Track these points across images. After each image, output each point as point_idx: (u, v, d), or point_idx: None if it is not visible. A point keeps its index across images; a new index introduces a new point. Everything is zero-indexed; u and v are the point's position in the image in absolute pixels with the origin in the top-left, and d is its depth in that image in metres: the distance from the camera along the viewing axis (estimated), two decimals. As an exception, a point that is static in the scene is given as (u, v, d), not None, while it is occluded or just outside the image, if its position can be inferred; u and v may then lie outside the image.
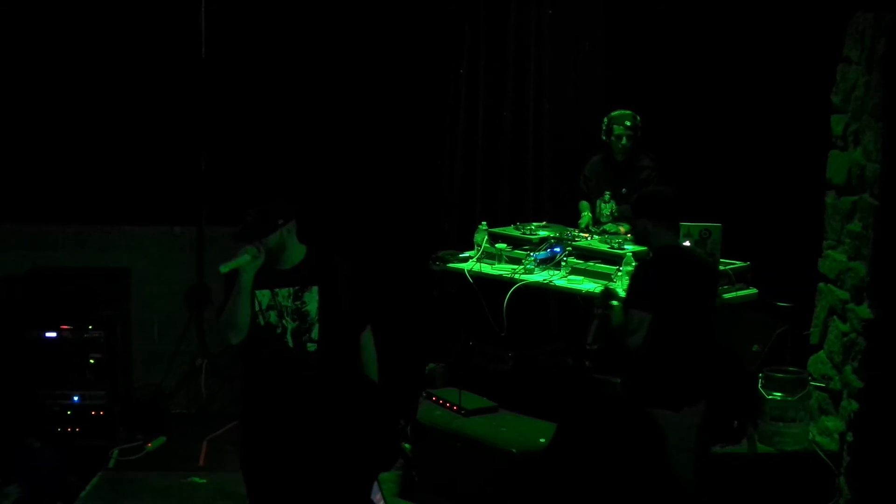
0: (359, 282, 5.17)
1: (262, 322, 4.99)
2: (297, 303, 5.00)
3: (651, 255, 5.53)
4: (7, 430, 7.09)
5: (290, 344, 4.99)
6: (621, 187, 7.21)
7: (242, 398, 5.26)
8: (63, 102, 7.68)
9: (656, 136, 7.32)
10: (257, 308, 4.99)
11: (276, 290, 5.01)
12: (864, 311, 5.77)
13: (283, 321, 4.99)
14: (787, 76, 7.27)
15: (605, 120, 7.22)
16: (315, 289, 5.02)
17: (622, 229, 6.97)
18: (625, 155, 7.19)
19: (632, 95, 7.47)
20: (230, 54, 7.70)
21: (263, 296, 5.00)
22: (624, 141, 7.14)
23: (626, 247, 6.49)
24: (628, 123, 7.13)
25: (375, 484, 5.17)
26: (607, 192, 7.28)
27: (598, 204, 7.31)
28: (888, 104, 5.66)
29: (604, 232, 6.94)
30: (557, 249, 6.61)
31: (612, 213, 7.26)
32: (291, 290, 5.02)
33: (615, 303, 5.31)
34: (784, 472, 6.09)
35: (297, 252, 5.05)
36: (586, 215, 7.20)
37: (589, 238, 6.79)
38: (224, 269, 4.84)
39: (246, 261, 4.84)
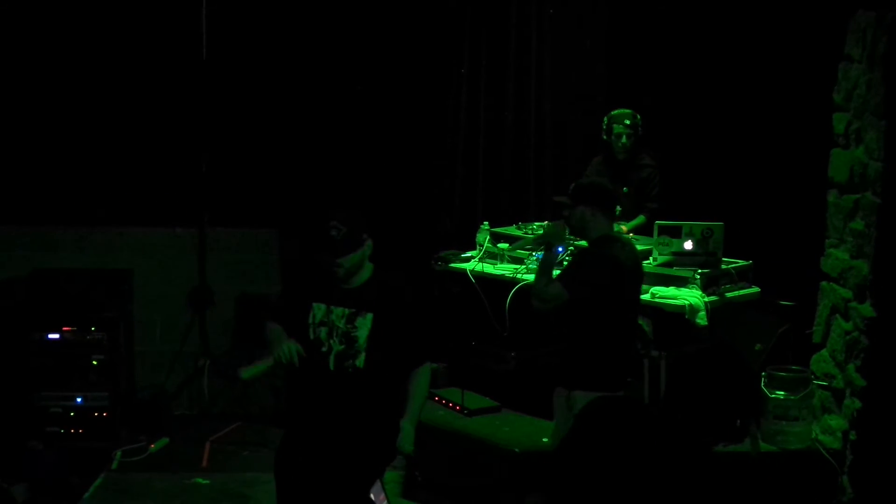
0: (421, 313, 4.89)
1: (311, 336, 4.78)
2: (349, 326, 4.74)
3: (588, 242, 5.52)
4: (10, 432, 7.10)
5: (332, 366, 4.76)
6: (623, 186, 7.21)
7: (285, 402, 5.14)
8: (64, 104, 7.68)
9: (658, 134, 7.32)
10: (310, 320, 4.78)
11: (332, 307, 4.77)
12: (867, 309, 5.77)
13: (331, 341, 4.76)
14: (789, 74, 7.26)
15: (605, 119, 7.23)
16: (370, 316, 4.75)
17: (624, 228, 6.97)
18: (625, 153, 7.19)
19: (633, 94, 7.48)
20: (231, 56, 7.70)
21: (319, 309, 4.78)
22: (624, 140, 7.14)
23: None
24: (628, 122, 7.13)
25: (379, 484, 5.15)
26: (609, 192, 7.27)
27: (600, 204, 7.30)
28: (890, 102, 5.66)
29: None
30: (559, 249, 6.60)
31: (613, 212, 7.26)
32: (347, 311, 4.76)
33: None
34: (787, 470, 6.08)
35: (365, 271, 4.83)
36: (588, 214, 7.19)
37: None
38: (246, 374, 4.75)
39: (269, 365, 4.70)
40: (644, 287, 6.16)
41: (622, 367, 5.46)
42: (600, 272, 5.29)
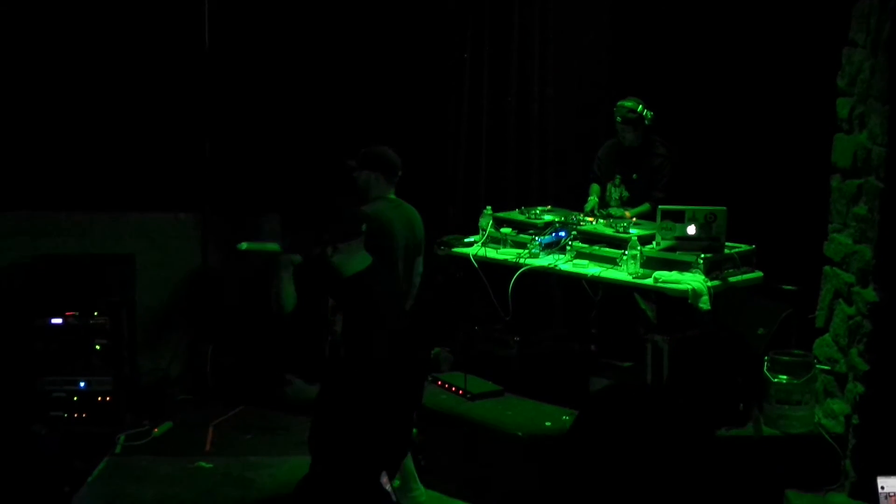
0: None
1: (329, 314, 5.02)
2: (334, 318, 4.92)
3: (367, 203, 5.90)
4: (14, 417, 7.11)
5: (327, 351, 4.96)
6: (633, 172, 7.20)
7: None
8: (68, 91, 7.69)
9: (661, 120, 7.31)
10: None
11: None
12: (870, 293, 5.78)
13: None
14: (793, 60, 7.26)
15: (615, 108, 7.19)
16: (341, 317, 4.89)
17: (627, 213, 6.98)
18: (631, 143, 7.18)
19: (636, 81, 7.47)
20: (233, 42, 7.70)
21: None
22: (625, 133, 7.13)
23: (631, 230, 6.49)
24: (619, 118, 7.09)
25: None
26: (618, 177, 7.27)
27: (608, 187, 7.31)
28: (893, 87, 5.66)
29: (609, 216, 6.94)
30: (562, 234, 6.61)
31: (620, 197, 7.26)
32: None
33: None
34: (789, 454, 6.09)
35: (362, 262, 4.88)
36: (592, 199, 7.20)
37: (594, 222, 6.79)
38: (244, 245, 5.04)
39: (270, 248, 4.90)
40: (647, 271, 6.18)
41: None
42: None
